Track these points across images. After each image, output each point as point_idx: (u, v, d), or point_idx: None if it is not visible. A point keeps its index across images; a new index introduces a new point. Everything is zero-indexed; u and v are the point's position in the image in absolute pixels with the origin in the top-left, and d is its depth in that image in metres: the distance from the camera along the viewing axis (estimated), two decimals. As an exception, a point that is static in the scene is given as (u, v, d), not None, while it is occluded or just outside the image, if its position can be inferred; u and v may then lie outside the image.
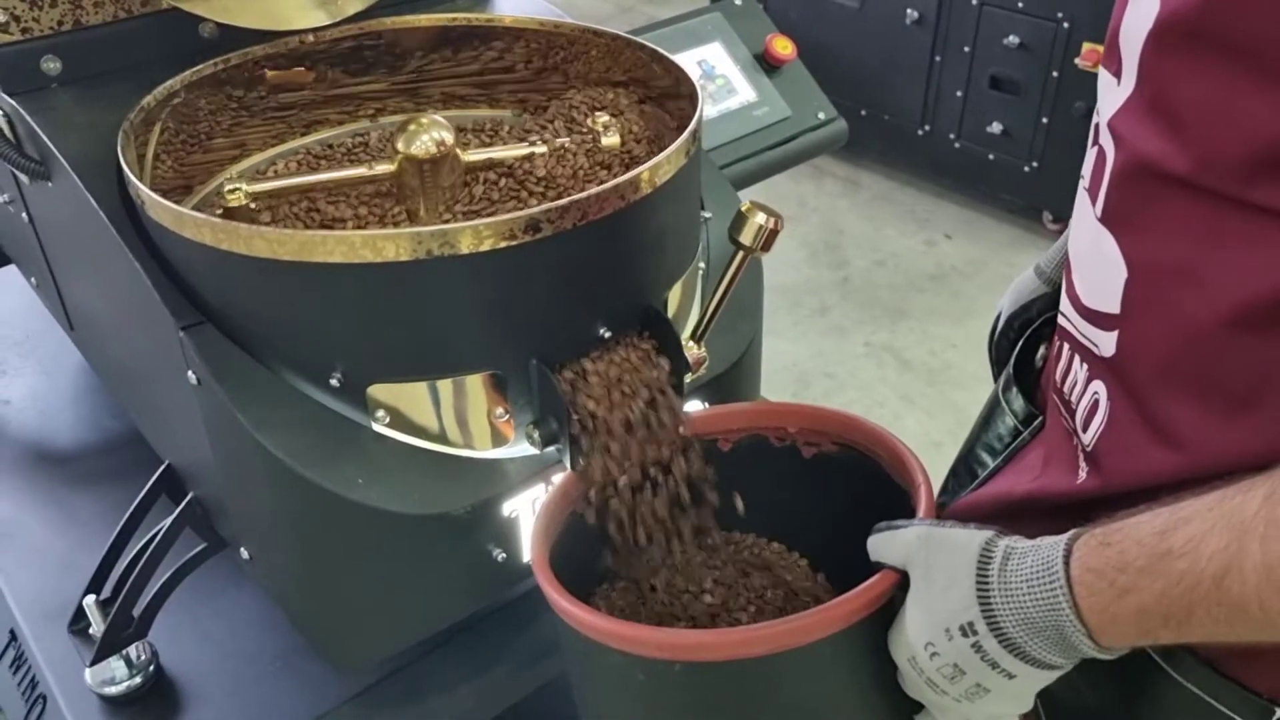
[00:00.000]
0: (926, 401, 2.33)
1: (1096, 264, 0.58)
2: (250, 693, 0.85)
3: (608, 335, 0.73)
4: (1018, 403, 0.74)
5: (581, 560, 0.71)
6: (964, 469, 0.79)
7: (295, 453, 0.69)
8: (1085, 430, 0.61)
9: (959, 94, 2.81)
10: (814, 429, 0.74)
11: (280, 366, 0.71)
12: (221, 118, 0.90)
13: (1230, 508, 0.45)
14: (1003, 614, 0.51)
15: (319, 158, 0.94)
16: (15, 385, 1.21)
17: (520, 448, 0.75)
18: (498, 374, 0.72)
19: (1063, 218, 2.69)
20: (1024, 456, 0.73)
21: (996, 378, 0.84)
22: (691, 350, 0.78)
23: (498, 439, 0.75)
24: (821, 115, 1.26)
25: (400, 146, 0.78)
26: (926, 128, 2.93)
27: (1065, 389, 0.64)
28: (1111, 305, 0.57)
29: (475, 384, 0.72)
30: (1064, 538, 0.51)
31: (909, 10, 2.82)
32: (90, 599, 0.86)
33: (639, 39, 0.91)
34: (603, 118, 0.80)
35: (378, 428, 0.72)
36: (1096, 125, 0.59)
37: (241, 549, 0.81)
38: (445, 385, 0.71)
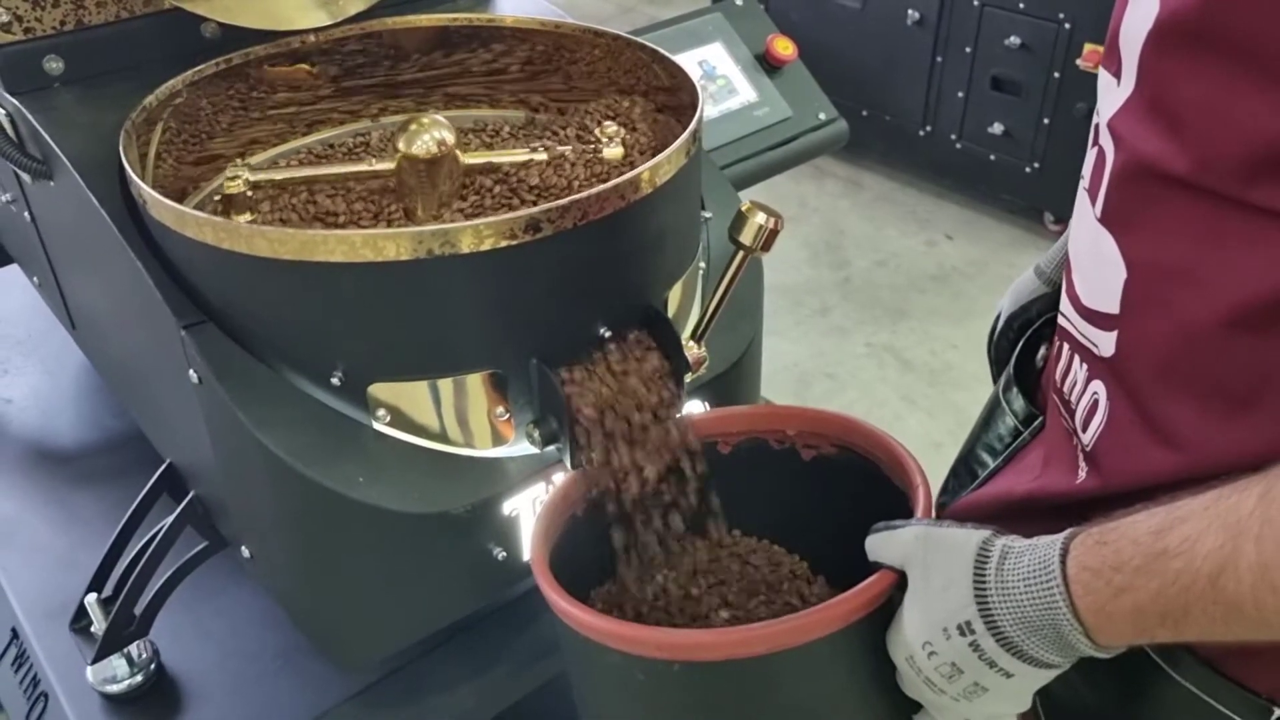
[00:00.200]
0: (927, 402, 2.33)
1: (1096, 264, 0.58)
2: (251, 691, 0.86)
3: (608, 335, 0.73)
4: (1018, 403, 0.74)
5: (581, 561, 0.71)
6: (964, 469, 0.80)
7: (296, 451, 0.69)
8: (1085, 430, 0.61)
9: (960, 95, 2.81)
10: (813, 431, 0.74)
11: (281, 365, 0.72)
12: (223, 117, 0.90)
13: (1226, 507, 0.45)
14: (1000, 613, 0.52)
15: (320, 157, 0.94)
16: (17, 384, 1.22)
17: (520, 447, 0.75)
18: (498, 373, 0.72)
19: (1064, 219, 2.69)
20: (1024, 457, 0.73)
21: (996, 378, 0.84)
22: (692, 350, 0.79)
23: (498, 438, 0.75)
24: (822, 116, 1.26)
25: (401, 146, 0.78)
26: (928, 128, 2.93)
27: (1065, 389, 0.64)
28: (1111, 305, 0.57)
29: (476, 383, 0.72)
30: (1061, 537, 0.51)
31: (910, 11, 2.82)
32: (92, 597, 0.86)
33: (640, 39, 0.91)
34: (610, 128, 0.80)
35: (378, 427, 0.72)
36: (1096, 126, 0.59)
37: (242, 547, 0.81)
38: (446, 384, 0.71)
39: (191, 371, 0.71)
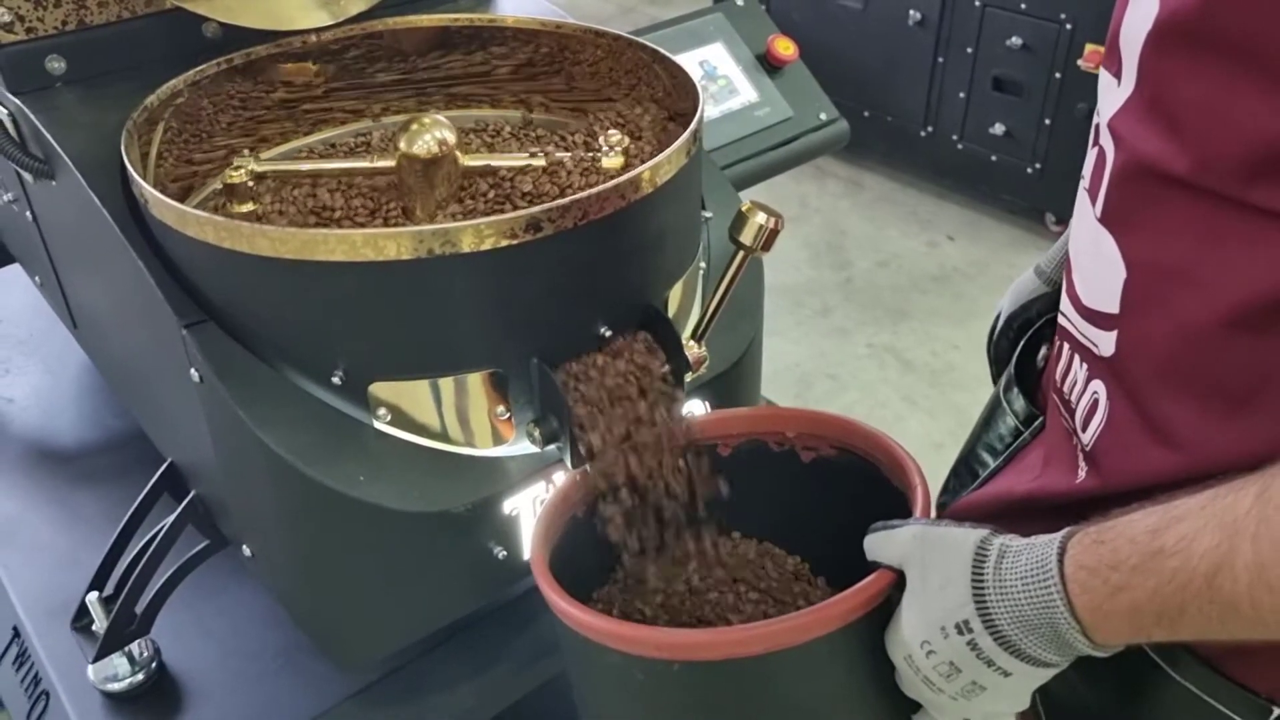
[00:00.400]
0: (928, 403, 2.33)
1: (1096, 264, 0.58)
2: (252, 690, 0.86)
3: (608, 334, 0.73)
4: (1019, 403, 0.75)
5: (581, 562, 0.71)
6: (965, 469, 0.80)
7: (297, 450, 0.69)
8: (1085, 430, 0.61)
9: (961, 95, 2.81)
10: (812, 433, 0.74)
11: (282, 364, 0.72)
12: (224, 117, 0.90)
13: (1222, 506, 0.45)
14: (998, 612, 0.52)
15: (322, 157, 0.94)
16: (19, 383, 1.22)
17: (521, 446, 0.75)
18: (499, 372, 0.72)
19: (1065, 219, 2.69)
20: (1024, 456, 0.73)
21: (995, 377, 0.84)
22: (692, 349, 0.79)
23: (498, 437, 0.75)
24: (823, 116, 1.26)
25: (402, 145, 0.79)
26: (929, 129, 2.93)
27: (1065, 389, 0.64)
28: (1111, 305, 0.57)
29: (476, 382, 0.72)
30: (1058, 536, 0.51)
31: (912, 11, 2.82)
32: (93, 596, 0.86)
33: (641, 39, 0.91)
34: (614, 136, 0.80)
35: (379, 425, 0.72)
36: (1097, 126, 0.59)
37: (243, 546, 0.81)
38: (446, 383, 0.72)
39: (193, 370, 0.71)
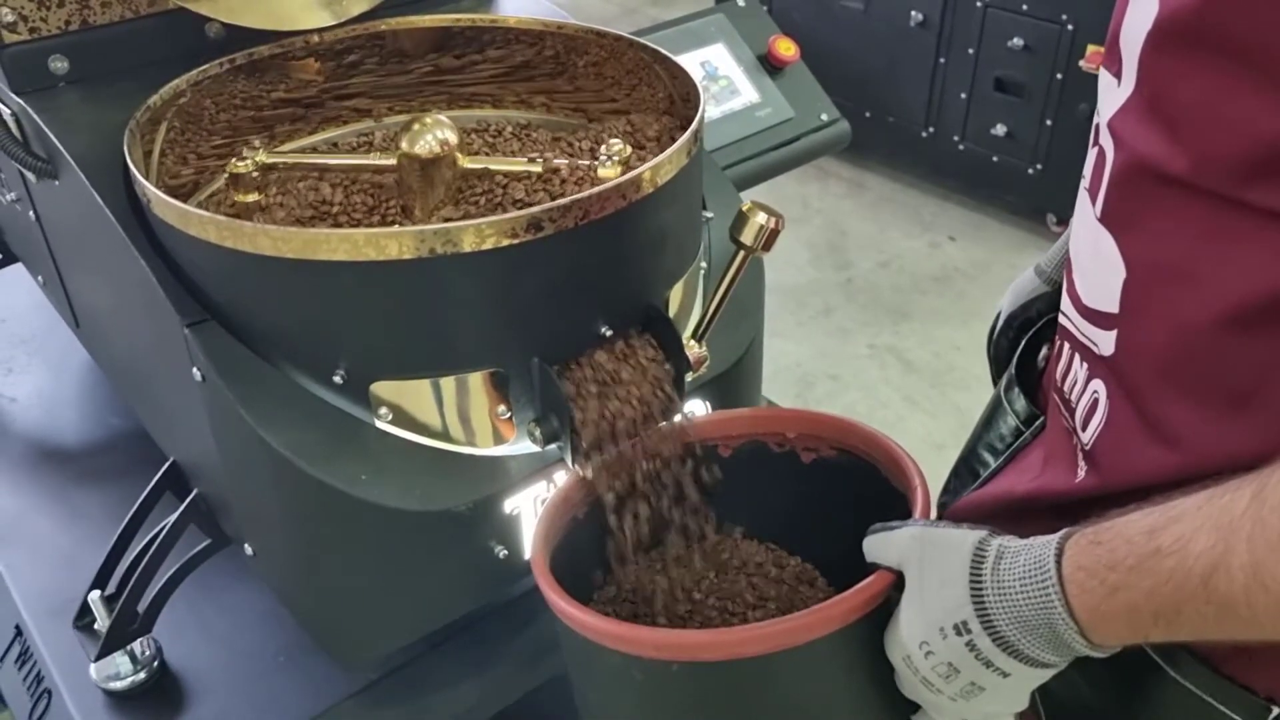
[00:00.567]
0: (930, 403, 2.33)
1: (1096, 264, 0.58)
2: (253, 688, 0.86)
3: (609, 334, 0.73)
4: (1019, 403, 0.75)
5: (581, 563, 0.71)
6: (966, 469, 0.80)
7: (299, 449, 0.69)
8: (1084, 429, 0.61)
9: (963, 96, 2.81)
10: (812, 434, 0.74)
11: (284, 363, 0.72)
12: (226, 117, 0.90)
13: (1218, 507, 0.45)
14: (996, 613, 0.52)
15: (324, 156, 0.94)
16: (21, 382, 1.22)
17: (522, 445, 0.75)
18: (500, 372, 0.72)
19: (1066, 220, 2.68)
20: (1025, 456, 0.73)
21: (995, 377, 0.84)
22: (693, 349, 0.79)
23: (499, 436, 0.75)
24: (824, 117, 1.27)
25: (404, 145, 0.79)
26: (931, 130, 2.93)
27: (1065, 388, 0.64)
28: (1110, 305, 0.57)
29: (477, 381, 0.72)
30: (1056, 537, 0.51)
31: (913, 12, 2.82)
32: (95, 595, 0.86)
33: (642, 40, 0.91)
34: (616, 145, 0.79)
35: (381, 425, 0.72)
36: (1096, 126, 0.59)
37: (245, 545, 0.82)
38: (448, 383, 0.72)
39: (195, 369, 0.71)
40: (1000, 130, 2.75)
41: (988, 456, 0.77)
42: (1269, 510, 0.43)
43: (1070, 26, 2.52)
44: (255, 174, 0.81)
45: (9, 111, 0.84)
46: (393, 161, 0.82)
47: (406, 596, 0.77)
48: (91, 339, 1.02)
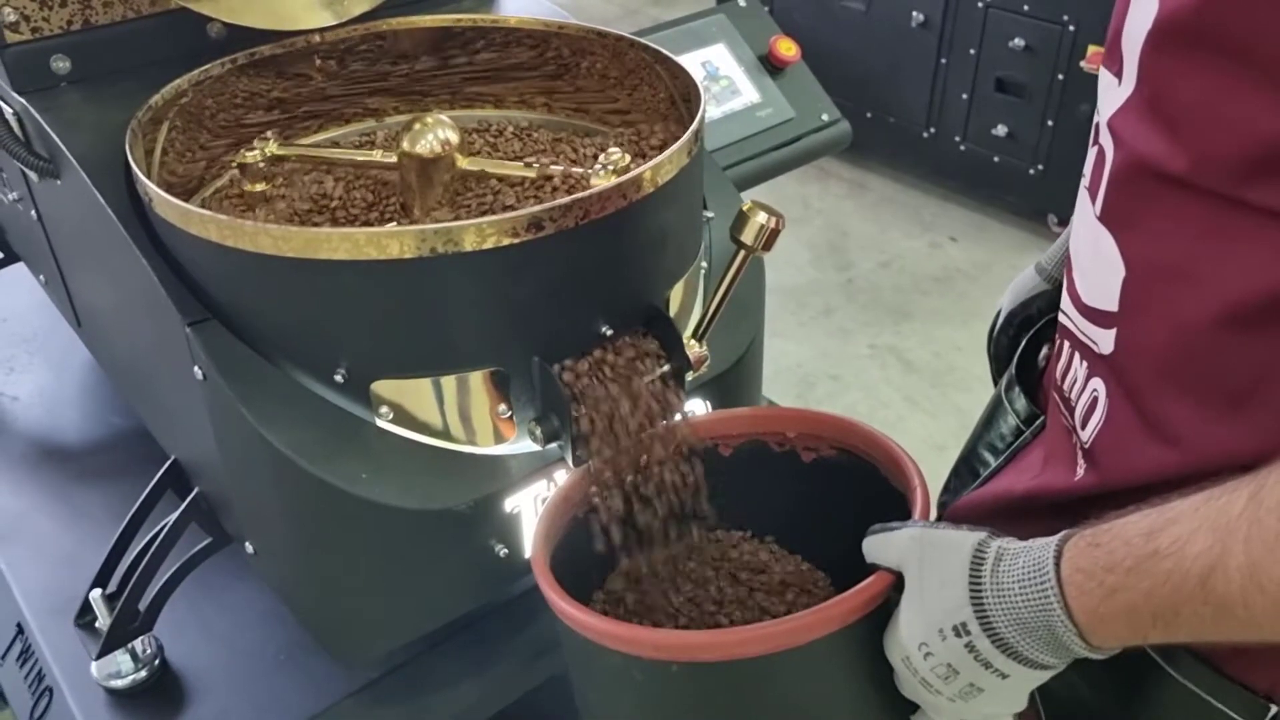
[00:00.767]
0: (930, 404, 2.33)
1: (1096, 262, 0.59)
2: (254, 687, 0.86)
3: (610, 333, 0.73)
4: (1020, 402, 0.75)
5: (582, 563, 0.72)
6: (966, 468, 0.80)
7: (300, 448, 0.69)
8: (1084, 428, 0.61)
9: (964, 96, 2.81)
10: (812, 434, 0.74)
11: (285, 362, 0.72)
12: (228, 117, 0.90)
13: (1215, 508, 0.45)
14: (995, 614, 0.52)
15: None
16: (23, 382, 1.22)
17: (522, 444, 0.75)
18: (500, 371, 0.72)
19: (1067, 220, 2.68)
20: (1025, 455, 0.73)
21: (995, 374, 0.85)
22: (693, 349, 0.79)
23: (500, 435, 0.75)
24: (825, 117, 1.27)
25: (405, 144, 0.79)
26: (932, 130, 2.93)
27: (1065, 387, 0.64)
28: (1110, 303, 0.57)
29: (478, 380, 0.72)
30: (1055, 539, 0.51)
31: (915, 13, 2.82)
32: (96, 593, 0.86)
33: (644, 40, 0.92)
34: (615, 154, 0.79)
35: (381, 423, 0.72)
36: (1097, 125, 0.59)
37: (246, 544, 0.82)
38: (448, 382, 0.72)
39: (196, 368, 0.72)
40: (1001, 131, 2.75)
41: (988, 456, 0.77)
42: (1265, 511, 0.43)
43: (1071, 27, 2.52)
44: (262, 164, 0.82)
45: (11, 111, 0.84)
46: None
47: (407, 595, 0.77)
48: (93, 338, 1.02)
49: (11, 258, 1.17)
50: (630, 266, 0.75)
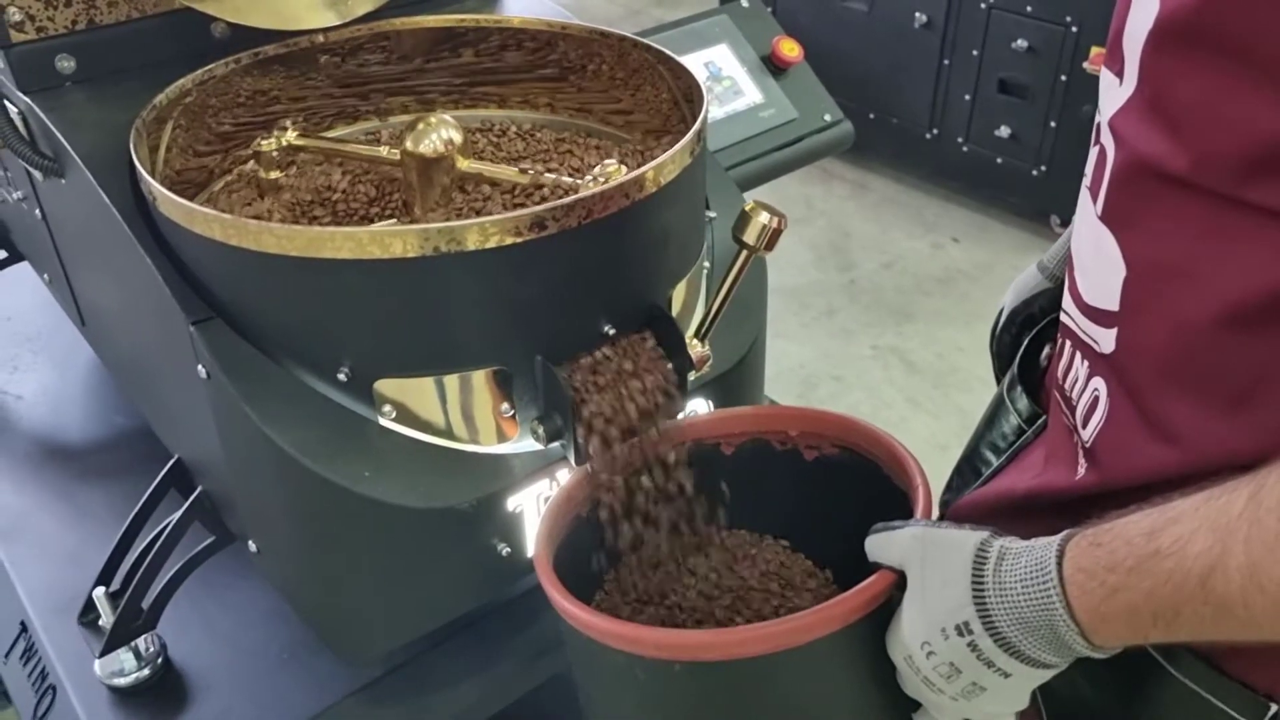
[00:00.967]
0: (933, 404, 2.33)
1: (1097, 262, 0.59)
2: (257, 685, 0.86)
3: (612, 332, 0.73)
4: (1022, 402, 0.75)
5: (585, 562, 0.72)
6: (968, 467, 0.80)
7: (303, 446, 0.70)
8: (1085, 426, 0.61)
9: (967, 98, 2.80)
10: (814, 432, 0.74)
11: (289, 361, 0.72)
12: (232, 116, 0.91)
13: (1216, 508, 0.45)
14: (998, 614, 0.52)
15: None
16: (27, 381, 1.23)
17: (525, 443, 0.75)
18: (503, 370, 0.72)
19: (1070, 222, 2.68)
20: (1027, 455, 0.73)
21: (997, 372, 0.85)
22: (695, 348, 0.79)
23: (503, 434, 0.75)
24: (828, 117, 1.27)
25: (409, 144, 0.79)
26: (934, 131, 2.93)
27: (1066, 386, 0.64)
28: (1111, 303, 0.57)
29: (481, 379, 0.72)
30: (1057, 538, 0.52)
31: (918, 14, 2.82)
32: (100, 591, 0.87)
33: (646, 40, 0.92)
34: (611, 165, 0.78)
35: (384, 422, 0.73)
36: (1098, 125, 0.59)
37: (249, 542, 0.82)
38: (451, 380, 0.72)
39: (200, 367, 0.72)
40: (1004, 132, 2.75)
41: (990, 455, 0.77)
42: (1265, 512, 0.43)
43: (1074, 28, 2.51)
44: (276, 153, 0.83)
45: (16, 110, 0.84)
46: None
47: (409, 594, 0.77)
48: (97, 337, 1.03)
49: (16, 257, 1.18)
50: (633, 266, 0.75)
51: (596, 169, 0.78)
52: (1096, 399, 0.60)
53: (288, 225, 0.76)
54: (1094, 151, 0.60)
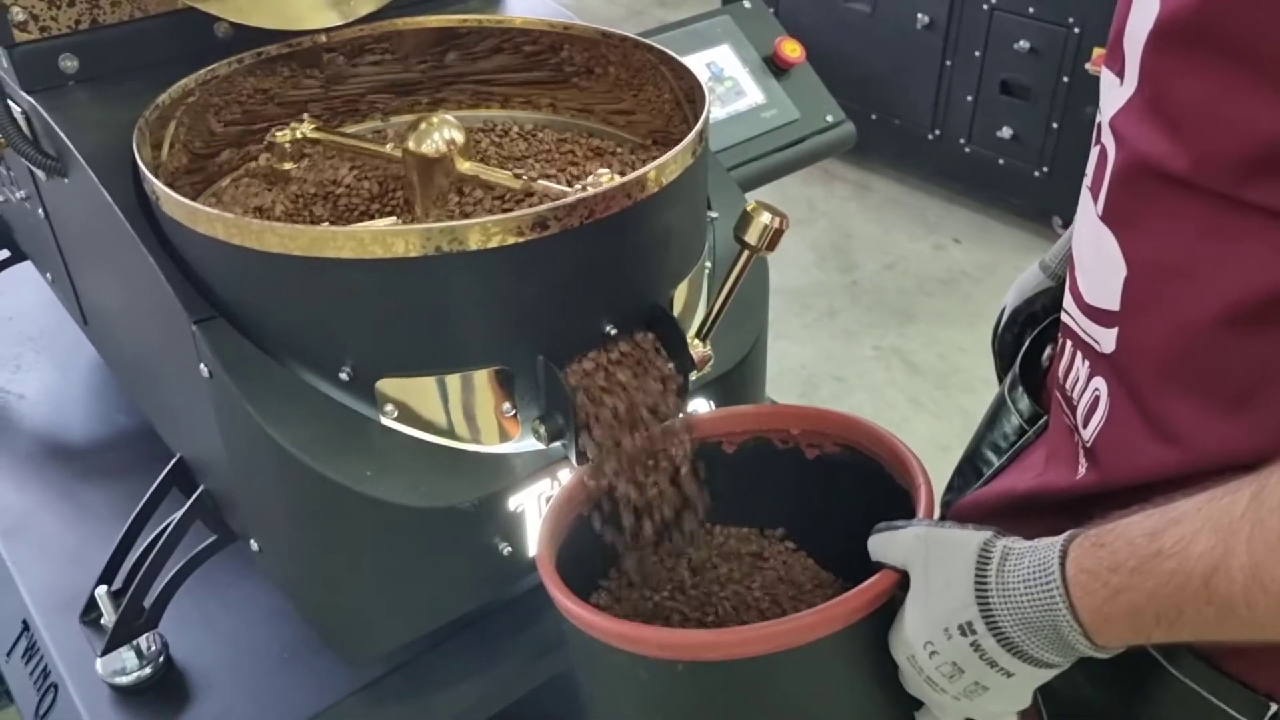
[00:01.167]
0: (935, 405, 2.33)
1: (1098, 261, 0.59)
2: (258, 684, 0.86)
3: (614, 332, 0.73)
4: (1024, 402, 0.75)
5: (587, 561, 0.72)
6: (969, 467, 0.80)
7: (305, 445, 0.70)
8: (1085, 426, 0.61)
9: (969, 99, 2.80)
10: (816, 431, 0.74)
11: (291, 360, 0.72)
12: (235, 116, 0.91)
13: (1218, 509, 0.45)
14: (1001, 614, 0.52)
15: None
16: (30, 380, 1.23)
17: (526, 443, 0.76)
18: (505, 370, 0.72)
19: (1072, 223, 2.68)
20: (1028, 455, 0.73)
21: (999, 371, 0.85)
22: (697, 348, 0.79)
23: (504, 434, 0.75)
24: (830, 118, 1.27)
25: (411, 143, 0.79)
26: (937, 132, 2.93)
27: (1067, 385, 0.64)
28: (1112, 303, 0.57)
29: (483, 379, 0.72)
30: (1060, 539, 0.51)
31: (920, 15, 2.82)
32: (102, 590, 0.87)
33: (649, 41, 0.92)
34: (605, 175, 0.78)
35: (386, 421, 0.73)
36: (1099, 124, 0.59)
37: (251, 541, 0.82)
38: (453, 380, 0.72)
39: (202, 366, 0.72)
40: (1006, 133, 2.75)
41: (991, 455, 0.77)
42: (1267, 512, 0.43)
43: (1077, 29, 2.51)
44: (289, 145, 0.84)
45: (19, 110, 0.84)
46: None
47: (411, 593, 0.77)
48: (99, 336, 1.03)
49: (18, 256, 1.18)
50: (634, 266, 0.75)
51: (591, 177, 0.78)
52: (1097, 399, 0.60)
53: (290, 225, 0.76)
54: (1095, 151, 0.60)
